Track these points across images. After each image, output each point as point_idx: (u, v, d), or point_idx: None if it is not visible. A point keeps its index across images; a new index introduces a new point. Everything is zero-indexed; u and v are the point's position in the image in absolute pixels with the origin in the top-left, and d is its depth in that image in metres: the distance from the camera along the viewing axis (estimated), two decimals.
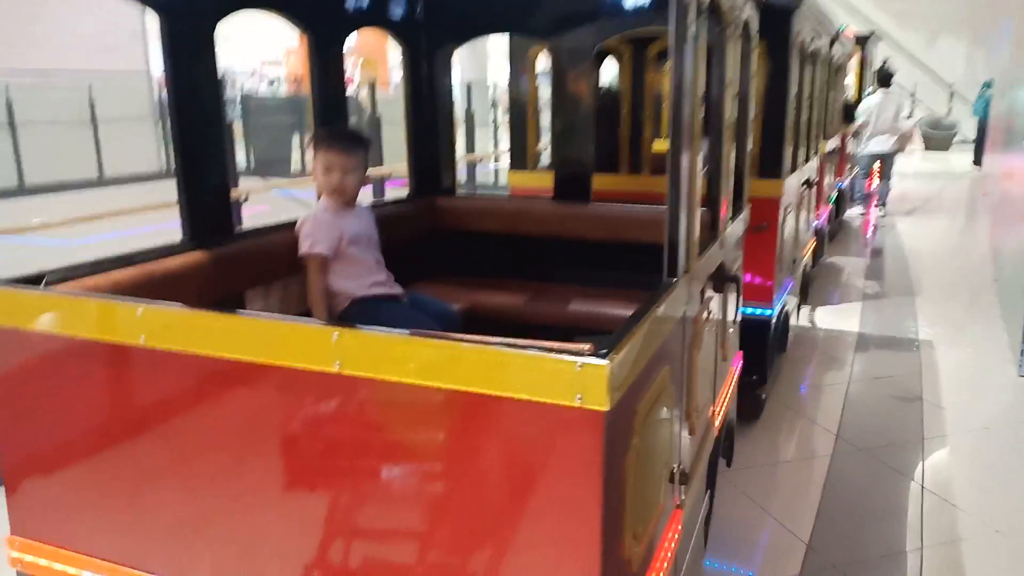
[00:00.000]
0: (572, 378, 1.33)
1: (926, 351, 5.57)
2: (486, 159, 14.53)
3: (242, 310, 1.62)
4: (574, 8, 3.40)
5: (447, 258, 3.76)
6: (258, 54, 26.43)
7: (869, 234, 10.13)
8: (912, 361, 5.37)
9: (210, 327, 1.60)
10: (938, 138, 20.08)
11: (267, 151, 16.62)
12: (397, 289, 2.96)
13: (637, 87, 4.50)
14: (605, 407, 1.32)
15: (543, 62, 4.53)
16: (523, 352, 1.36)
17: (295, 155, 16.55)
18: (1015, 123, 6.98)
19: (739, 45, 2.56)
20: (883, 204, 10.84)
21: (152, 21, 2.37)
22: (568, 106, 3.55)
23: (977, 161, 15.94)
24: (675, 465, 1.98)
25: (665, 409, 1.80)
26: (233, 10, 2.58)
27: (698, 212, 2.04)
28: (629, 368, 1.43)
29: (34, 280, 1.94)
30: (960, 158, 18.29)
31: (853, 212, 11.04)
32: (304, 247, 2.70)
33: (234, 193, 6.92)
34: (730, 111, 2.50)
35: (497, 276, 3.63)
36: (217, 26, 2.48)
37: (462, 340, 1.41)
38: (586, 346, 1.35)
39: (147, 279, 2.16)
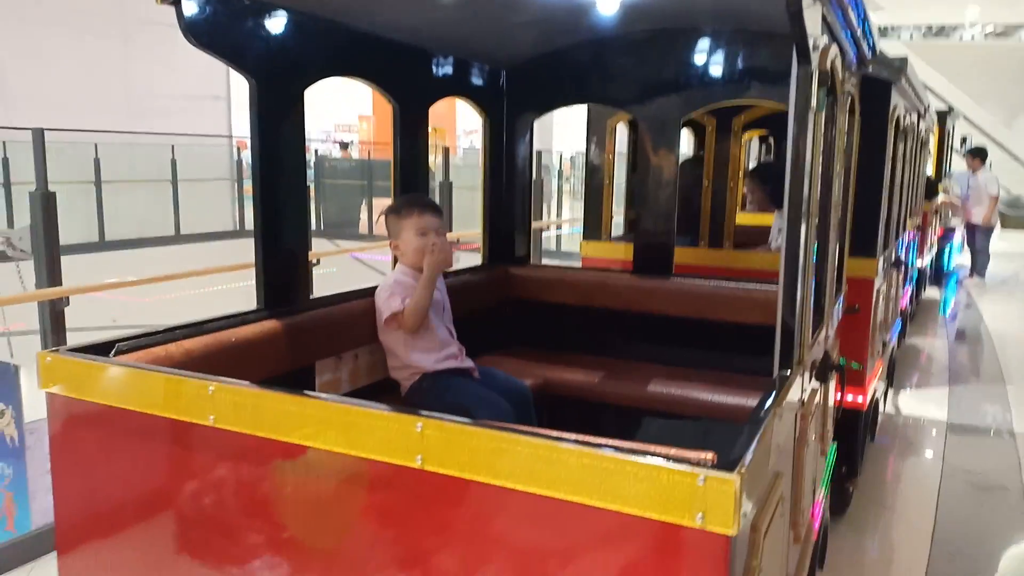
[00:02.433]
0: (692, 494, 1.15)
1: (1023, 445, 5.14)
2: (551, 227, 14.54)
3: (323, 394, 1.49)
4: (661, 79, 3.30)
5: (520, 330, 3.62)
6: (332, 118, 27.33)
7: (951, 314, 9.69)
8: (1008, 455, 4.95)
9: (285, 410, 1.48)
10: (1016, 217, 19.38)
11: (337, 213, 16.97)
12: (468, 363, 2.83)
13: (720, 158, 4.36)
14: (732, 531, 1.13)
15: (621, 131, 4.45)
16: (635, 459, 1.19)
17: (363, 217, 16.84)
18: None
19: (846, 119, 2.41)
20: (983, 275, 11.31)
21: (236, 85, 2.35)
22: (651, 177, 3.42)
23: None
24: None
25: (781, 521, 1.59)
26: (323, 76, 2.56)
27: (811, 295, 1.86)
28: (756, 482, 1.24)
29: (104, 348, 1.86)
30: None
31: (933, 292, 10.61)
32: (395, 305, 2.61)
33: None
34: (837, 186, 2.33)
35: (572, 350, 3.47)
36: (305, 91, 2.45)
37: (562, 440, 1.25)
38: (708, 455, 1.18)
39: (220, 348, 2.07)
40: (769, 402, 1.43)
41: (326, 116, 26.73)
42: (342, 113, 26.65)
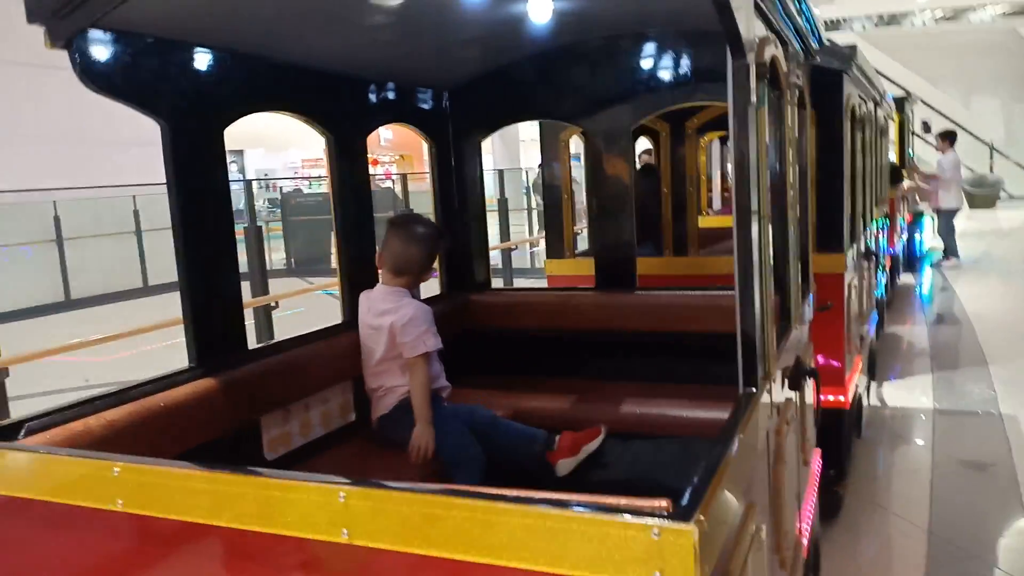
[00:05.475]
0: (647, 549, 1.00)
1: (1012, 428, 5.04)
2: (522, 245, 14.42)
3: (233, 467, 1.32)
4: (606, 88, 3.19)
5: (484, 359, 3.47)
6: (298, 153, 27.19)
7: (927, 298, 9.68)
8: (998, 440, 4.85)
9: (193, 488, 1.32)
10: (982, 196, 19.55)
11: (306, 250, 16.78)
12: (447, 384, 2.82)
13: (676, 163, 4.25)
14: None
15: (576, 144, 4.35)
16: (581, 513, 1.05)
17: (332, 251, 16.64)
18: None
19: (795, 112, 2.30)
20: (957, 255, 11.31)
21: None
22: (606, 189, 3.30)
23: None
24: None
25: (759, 555, 1.45)
26: (245, 113, 2.41)
27: (771, 300, 1.73)
28: (721, 524, 1.10)
29: (13, 429, 1.69)
30: (1008, 215, 17.67)
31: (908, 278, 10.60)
32: (429, 343, 2.57)
33: (263, 300, 6.78)
34: (792, 182, 2.22)
35: (539, 376, 3.32)
36: (225, 131, 2.31)
37: (500, 498, 1.11)
38: (662, 503, 1.03)
39: (147, 416, 1.90)
40: (730, 432, 1.29)
41: (292, 152, 26.64)
42: (311, 147, 26.48)
